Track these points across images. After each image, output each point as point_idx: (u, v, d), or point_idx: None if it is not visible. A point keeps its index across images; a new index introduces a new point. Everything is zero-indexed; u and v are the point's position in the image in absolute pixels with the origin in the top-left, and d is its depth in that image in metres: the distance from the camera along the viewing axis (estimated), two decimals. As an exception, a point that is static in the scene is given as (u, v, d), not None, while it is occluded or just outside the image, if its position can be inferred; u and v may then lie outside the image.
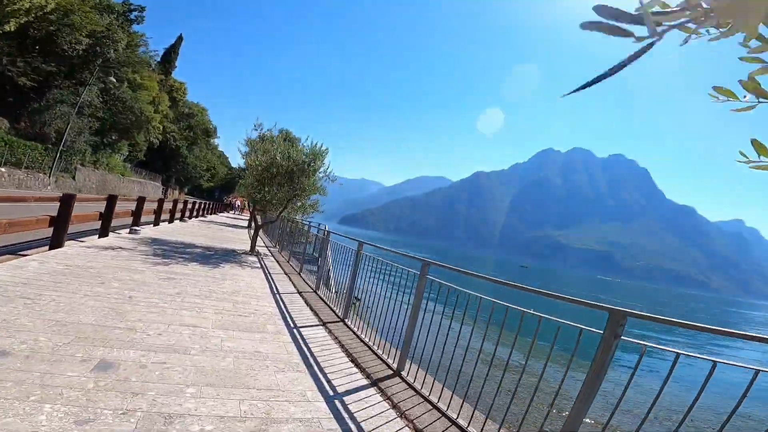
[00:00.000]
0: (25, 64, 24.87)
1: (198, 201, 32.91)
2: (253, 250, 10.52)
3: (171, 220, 15.99)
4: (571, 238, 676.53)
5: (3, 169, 19.53)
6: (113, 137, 31.92)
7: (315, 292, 6.81)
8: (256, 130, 9.95)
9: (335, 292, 6.92)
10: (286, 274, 8.21)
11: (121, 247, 7.61)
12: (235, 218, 31.81)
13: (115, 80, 25.68)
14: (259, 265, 8.76)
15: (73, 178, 26.32)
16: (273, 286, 6.72)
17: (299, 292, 6.59)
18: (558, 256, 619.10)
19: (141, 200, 11.24)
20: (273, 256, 11.00)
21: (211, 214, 31.60)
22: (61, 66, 27.14)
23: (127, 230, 10.37)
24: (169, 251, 8.25)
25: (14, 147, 21.33)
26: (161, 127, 36.61)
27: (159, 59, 46.75)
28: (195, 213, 25.15)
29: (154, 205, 13.57)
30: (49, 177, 23.34)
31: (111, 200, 8.94)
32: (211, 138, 60.03)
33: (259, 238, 18.10)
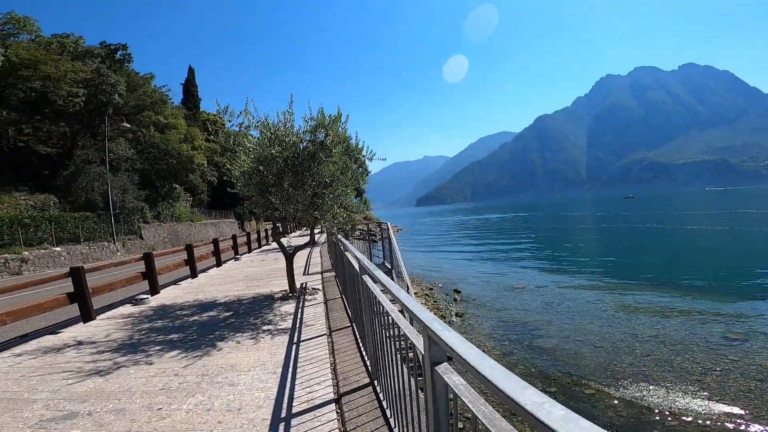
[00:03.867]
0: (35, 130, 23.98)
1: (273, 227, 31.48)
2: (293, 291, 7.41)
3: (218, 264, 13.81)
4: (671, 155, 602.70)
5: (59, 249, 19.05)
6: (165, 186, 31.60)
7: (372, 384, 3.40)
8: (225, 115, 6.45)
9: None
10: (329, 335, 4.84)
11: (80, 342, 5.04)
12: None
13: (127, 124, 24.58)
14: (290, 322, 5.53)
15: (141, 237, 26.19)
16: (287, 384, 3.40)
17: (336, 399, 3.11)
18: (662, 178, 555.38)
19: (148, 257, 8.83)
20: (324, 290, 7.80)
21: (282, 237, 29.84)
22: (74, 124, 26.22)
23: (132, 302, 7.96)
24: (153, 333, 5.26)
25: (63, 222, 20.61)
26: (205, 164, 35.91)
27: (182, 96, 46.49)
28: (258, 244, 23.30)
29: (173, 258, 11.37)
30: (114, 243, 23.07)
31: (76, 273, 6.42)
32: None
33: (318, 255, 15.05)
